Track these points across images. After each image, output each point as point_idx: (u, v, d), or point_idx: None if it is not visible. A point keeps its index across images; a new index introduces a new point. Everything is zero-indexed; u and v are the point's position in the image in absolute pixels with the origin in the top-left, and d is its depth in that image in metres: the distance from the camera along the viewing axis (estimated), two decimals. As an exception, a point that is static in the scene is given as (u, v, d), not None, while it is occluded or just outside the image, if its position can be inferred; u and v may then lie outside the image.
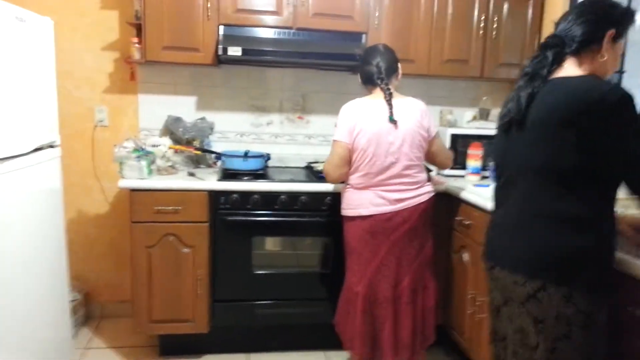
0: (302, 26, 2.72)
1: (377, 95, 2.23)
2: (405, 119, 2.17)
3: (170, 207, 2.43)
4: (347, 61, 2.71)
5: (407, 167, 2.18)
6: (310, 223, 2.57)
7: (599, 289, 1.39)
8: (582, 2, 1.51)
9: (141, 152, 2.49)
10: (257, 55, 2.62)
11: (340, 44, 2.73)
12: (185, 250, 2.49)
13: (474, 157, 2.84)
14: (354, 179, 2.21)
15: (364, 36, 2.79)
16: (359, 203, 2.20)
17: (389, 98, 2.17)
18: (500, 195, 1.61)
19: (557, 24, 1.53)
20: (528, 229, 1.44)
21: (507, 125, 1.53)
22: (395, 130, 2.15)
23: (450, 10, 2.85)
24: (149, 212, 2.43)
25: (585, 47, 1.45)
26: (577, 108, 1.33)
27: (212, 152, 2.78)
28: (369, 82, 2.27)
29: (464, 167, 2.92)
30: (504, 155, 1.56)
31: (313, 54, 2.65)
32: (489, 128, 3.01)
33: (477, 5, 2.87)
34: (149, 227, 2.44)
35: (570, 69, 1.46)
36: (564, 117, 1.34)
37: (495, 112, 3.23)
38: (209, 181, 2.50)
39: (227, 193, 2.48)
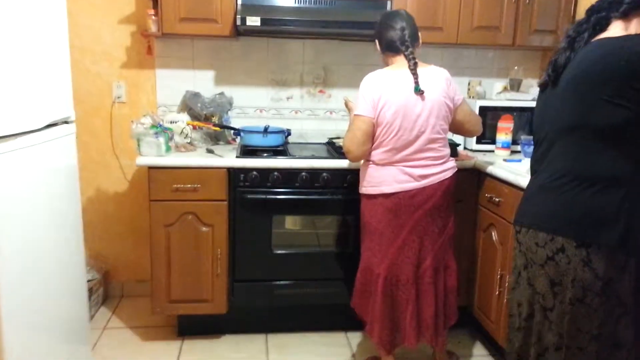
0: (323, -7, 2.59)
1: (400, 64, 2.09)
2: (431, 89, 2.05)
3: (189, 185, 2.37)
4: (372, 30, 2.56)
5: (433, 141, 2.07)
6: (332, 201, 2.48)
7: (622, 253, 1.34)
8: None
9: (159, 129, 2.42)
10: (276, 25, 2.50)
11: (364, 11, 2.59)
12: (204, 229, 2.43)
13: (504, 131, 2.70)
14: (376, 154, 2.10)
15: (389, 3, 2.65)
16: (381, 180, 2.09)
17: (414, 67, 2.04)
18: (536, 159, 1.56)
19: None
20: (557, 188, 1.41)
21: (544, 85, 1.50)
22: (422, 102, 2.03)
23: (481, -27, 2.67)
24: (168, 190, 2.37)
25: (634, 9, 1.36)
26: (617, 61, 1.28)
27: (231, 128, 2.69)
28: (392, 49, 2.12)
29: (493, 141, 2.78)
30: (540, 114, 1.53)
31: (336, 22, 2.52)
32: (521, 99, 2.86)
33: (509, -33, 2.68)
34: (167, 206, 2.39)
35: (615, 31, 1.38)
36: (602, 72, 1.30)
37: (527, 82, 3.06)
38: (228, 158, 2.42)
39: (246, 170, 2.40)
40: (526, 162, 2.35)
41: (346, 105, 2.35)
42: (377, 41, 2.17)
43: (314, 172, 2.44)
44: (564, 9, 2.76)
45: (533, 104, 2.81)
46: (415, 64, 2.05)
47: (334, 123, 3.07)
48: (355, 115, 2.08)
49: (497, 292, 2.32)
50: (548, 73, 1.46)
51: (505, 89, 3.00)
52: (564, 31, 1.47)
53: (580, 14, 2.75)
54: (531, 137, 2.66)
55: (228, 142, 2.85)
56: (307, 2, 2.59)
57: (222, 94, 2.91)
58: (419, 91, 2.02)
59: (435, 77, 2.09)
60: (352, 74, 3.02)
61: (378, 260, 2.14)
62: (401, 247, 2.11)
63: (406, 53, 2.06)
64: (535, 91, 2.89)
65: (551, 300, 1.44)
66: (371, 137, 2.07)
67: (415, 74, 2.03)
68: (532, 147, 2.41)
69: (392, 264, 2.12)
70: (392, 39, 2.09)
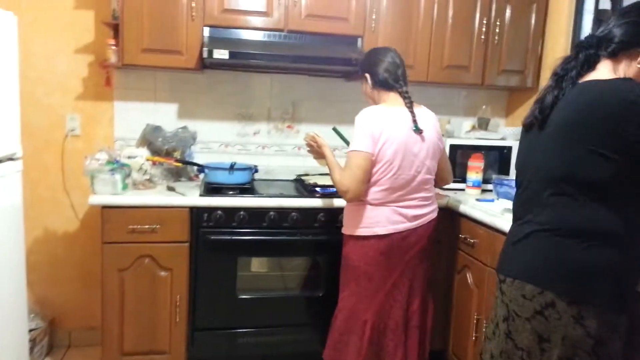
0: (293, 28, 2.52)
1: (394, 102, 2.03)
2: (427, 129, 2.01)
3: (147, 226, 2.19)
4: (343, 66, 2.51)
5: (426, 182, 2.04)
6: (302, 242, 2.35)
7: (615, 312, 1.27)
8: (628, 5, 1.40)
9: (115, 165, 2.25)
10: (245, 59, 2.40)
11: (335, 47, 2.53)
12: (163, 273, 2.24)
13: (475, 169, 2.66)
14: (371, 193, 1.98)
15: (359, 40, 2.61)
16: (375, 221, 1.98)
17: (410, 105, 2.01)
18: (519, 205, 1.47)
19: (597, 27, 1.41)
20: (547, 240, 1.32)
21: (528, 126, 1.43)
22: (421, 142, 1.98)
23: (450, 13, 2.68)
24: (123, 231, 2.18)
25: (624, 49, 1.33)
26: (604, 109, 1.23)
27: (195, 164, 2.54)
28: (384, 86, 2.05)
29: (463, 180, 2.73)
30: (524, 158, 1.46)
31: (306, 57, 2.44)
32: (490, 138, 2.84)
33: (478, 8, 2.70)
34: (122, 248, 2.20)
35: (603, 71, 1.34)
36: (588, 120, 1.24)
37: (494, 122, 3.07)
38: (191, 197, 2.26)
39: (210, 210, 2.25)
40: (499, 203, 2.31)
41: (313, 140, 2.21)
42: (368, 76, 2.08)
43: (282, 212, 2.31)
44: (532, 49, 2.79)
45: (502, 143, 2.83)
46: (412, 102, 2.01)
47: (302, 159, 2.97)
48: (353, 151, 1.94)
49: (473, 337, 2.22)
50: (535, 114, 1.39)
51: (473, 127, 2.98)
52: (553, 68, 1.42)
53: (547, 55, 2.80)
54: (503, 177, 2.67)
55: (190, 179, 2.70)
56: (276, 37, 2.52)
57: (185, 128, 2.77)
58: (418, 130, 1.96)
59: (429, 118, 2.07)
60: (321, 110, 2.95)
61: (365, 306, 2.02)
62: (391, 290, 2.01)
63: (400, 90, 2.03)
64: (503, 131, 2.91)
65: (537, 357, 1.34)
66: (370, 174, 1.96)
67: (412, 113, 1.99)
68: (504, 187, 2.41)
69: (381, 310, 2.02)
70: (386, 75, 2.04)
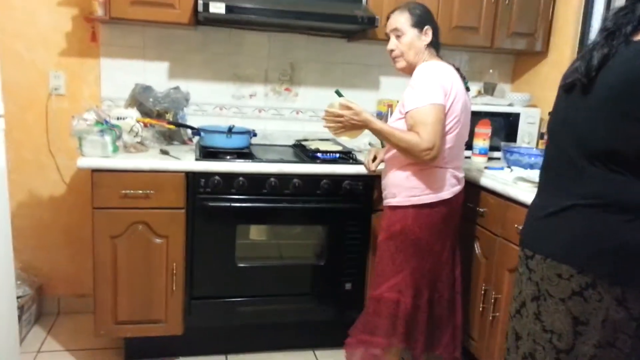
0: (295, -18, 2.36)
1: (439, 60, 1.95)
2: None
3: (140, 191, 2.07)
4: (347, 24, 2.37)
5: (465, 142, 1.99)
6: (304, 210, 2.25)
7: None
8: None
9: (105, 126, 2.10)
10: (243, 14, 2.23)
11: (339, 4, 2.37)
12: (158, 240, 2.13)
13: (482, 136, 2.56)
14: None
15: (364, -1, 2.45)
16: (440, 184, 1.88)
17: (454, 65, 1.95)
18: (552, 174, 1.33)
19: None
20: (584, 215, 1.21)
21: (569, 86, 1.28)
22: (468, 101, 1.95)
23: (461, -31, 2.53)
24: (115, 196, 2.05)
25: None
26: None
27: (190, 127, 2.40)
28: (436, 48, 1.97)
29: (469, 147, 2.63)
30: (562, 123, 1.30)
31: (310, 14, 2.27)
32: (498, 104, 2.73)
33: (490, -34, 2.56)
34: (114, 214, 2.07)
35: None
36: None
37: (500, 88, 2.96)
38: (187, 161, 2.14)
39: (208, 175, 2.13)
40: (509, 171, 2.22)
41: (346, 108, 1.86)
42: (429, 29, 1.91)
43: (283, 178, 2.20)
44: (543, 11, 2.66)
45: (509, 110, 2.73)
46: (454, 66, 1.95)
47: (301, 124, 2.84)
48: (430, 105, 1.76)
49: (480, 308, 2.17)
50: (578, 74, 1.23)
51: (479, 92, 2.88)
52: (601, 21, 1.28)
53: (559, 17, 2.68)
54: (512, 145, 2.57)
55: (184, 142, 2.56)
56: (277, -9, 2.35)
57: (177, 88, 2.60)
58: (468, 89, 1.94)
59: None
60: (321, 72, 2.81)
61: (427, 281, 1.95)
62: (446, 260, 1.98)
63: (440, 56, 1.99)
64: (510, 97, 2.80)
65: (571, 341, 1.24)
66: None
67: (459, 72, 1.93)
68: (514, 155, 2.32)
69: (438, 280, 1.98)
70: (438, 38, 1.97)
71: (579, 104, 1.23)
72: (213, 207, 2.14)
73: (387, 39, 2.09)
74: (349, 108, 1.86)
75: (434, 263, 1.95)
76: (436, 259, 1.95)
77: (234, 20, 2.44)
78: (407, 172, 1.89)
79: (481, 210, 2.17)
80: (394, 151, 1.91)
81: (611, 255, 1.17)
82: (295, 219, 2.29)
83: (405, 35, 1.91)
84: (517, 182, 2.04)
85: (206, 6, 2.15)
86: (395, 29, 1.92)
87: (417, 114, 1.77)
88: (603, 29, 1.22)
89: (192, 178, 2.12)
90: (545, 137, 1.42)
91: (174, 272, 2.15)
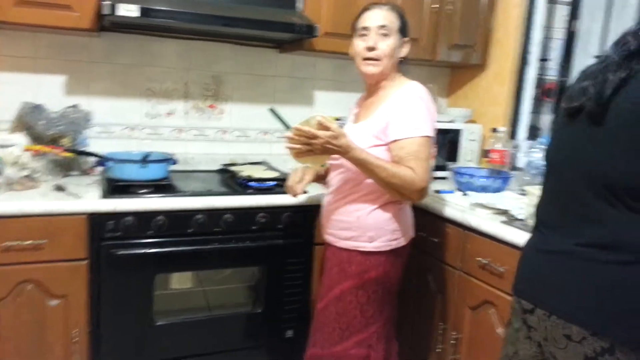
0: (218, -17, 2.03)
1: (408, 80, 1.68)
2: None
3: (29, 241, 1.62)
4: (283, 32, 2.07)
5: None
6: (238, 249, 1.91)
7: None
8: None
9: (-22, 158, 1.65)
10: (162, 18, 1.84)
11: (273, 10, 2.07)
12: (53, 302, 1.69)
13: (428, 157, 2.37)
14: None
15: (300, 2, 2.17)
16: (410, 222, 1.72)
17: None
18: (552, 209, 1.15)
19: None
20: (600, 264, 1.01)
21: (574, 110, 1.09)
22: None
23: (400, -25, 2.32)
24: (-7, 249, 1.60)
25: None
26: None
27: (93, 155, 1.96)
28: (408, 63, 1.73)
29: (411, 168, 2.44)
30: (566, 154, 1.12)
31: (241, 20, 1.93)
32: (439, 121, 2.55)
33: (429, -27, 2.38)
34: (-7, 272, 1.62)
35: None
36: None
37: (443, 102, 2.81)
38: (90, 199, 1.72)
39: (117, 215, 1.73)
40: (461, 195, 2.04)
41: (323, 127, 1.48)
42: (409, 41, 1.68)
43: (213, 214, 1.85)
44: (482, 23, 2.53)
45: (451, 126, 2.57)
46: None
47: (227, 146, 2.50)
48: (423, 137, 1.52)
49: (438, 350, 1.95)
50: (587, 98, 1.05)
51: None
52: (622, 34, 1.06)
53: (498, 29, 2.56)
54: (461, 166, 2.39)
55: (84, 173, 2.12)
56: (198, -7, 2.01)
57: (75, 107, 2.16)
58: None
59: None
60: (250, 87, 2.49)
61: (395, 329, 1.78)
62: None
63: None
64: (450, 112, 2.64)
65: None
66: None
67: None
68: (465, 177, 2.14)
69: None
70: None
71: (588, 132, 1.05)
72: (125, 256, 1.74)
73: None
74: (327, 129, 1.49)
75: (395, 309, 1.72)
76: (395, 306, 1.73)
77: (147, 25, 2.06)
78: (388, 212, 1.61)
79: (435, 240, 1.95)
80: (350, 180, 1.62)
81: (632, 317, 0.98)
82: (227, 261, 1.95)
83: (391, 37, 1.60)
84: (474, 209, 1.85)
85: (113, 8, 1.76)
86: (384, 26, 1.59)
87: (410, 146, 1.50)
88: (623, 47, 1.02)
89: (96, 221, 1.71)
90: (545, 167, 1.22)
91: (75, 339, 1.72)
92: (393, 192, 1.53)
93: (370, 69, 1.62)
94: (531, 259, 1.17)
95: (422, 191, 1.51)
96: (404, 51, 1.65)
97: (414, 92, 1.56)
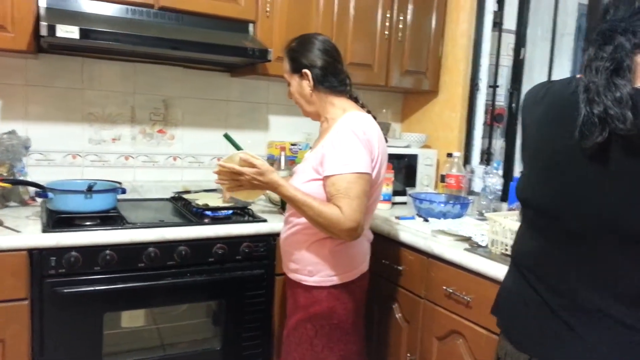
0: (167, 5, 1.95)
1: (349, 106, 1.60)
2: None
3: (-42, 283, 1.46)
4: (235, 57, 2.02)
5: None
6: (194, 284, 1.80)
7: None
8: None
9: None
10: (104, 40, 1.75)
11: (222, 33, 2.01)
12: (-12, 349, 1.53)
13: (385, 181, 2.33)
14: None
15: (251, 26, 2.13)
16: (361, 256, 1.64)
17: (370, 112, 1.63)
18: (560, 260, 1.01)
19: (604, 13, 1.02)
20: (603, 319, 0.94)
21: (591, 144, 0.92)
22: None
23: (352, 3, 2.34)
24: None
25: None
26: None
27: (32, 185, 1.80)
28: (338, 88, 1.60)
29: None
30: (571, 197, 0.98)
31: (191, 43, 1.88)
32: (395, 146, 2.57)
33: (380, 0, 2.40)
34: None
35: None
36: None
37: (397, 127, 2.84)
38: (30, 234, 1.57)
39: (61, 251, 1.59)
40: (421, 221, 2.04)
41: (247, 164, 1.49)
42: (307, 72, 1.57)
43: (166, 246, 1.74)
44: (432, 50, 2.59)
45: (407, 151, 2.58)
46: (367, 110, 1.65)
47: (180, 172, 2.39)
48: (355, 174, 1.44)
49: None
50: (616, 126, 0.88)
51: (373, 133, 2.71)
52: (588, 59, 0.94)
53: (447, 55, 2.62)
54: (419, 192, 2.37)
55: (24, 203, 1.96)
56: (144, 15, 1.93)
57: (12, 132, 2.00)
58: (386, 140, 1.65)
59: None
60: (202, 111, 2.41)
61: None
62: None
63: (354, 95, 1.65)
64: (406, 137, 2.66)
65: None
66: None
67: (376, 121, 1.61)
68: (424, 203, 2.14)
69: None
70: (335, 75, 1.59)
71: (603, 170, 0.92)
72: (69, 295, 1.60)
73: (278, 75, 1.80)
74: (251, 165, 1.48)
75: (362, 345, 1.65)
76: (361, 340, 1.66)
77: (87, 47, 1.95)
78: (325, 247, 1.55)
79: (399, 268, 1.93)
80: (295, 213, 1.57)
81: None
82: (183, 297, 1.83)
83: (292, 81, 1.63)
84: (436, 236, 1.85)
85: (52, 29, 1.64)
86: (284, 77, 1.66)
87: (339, 183, 1.44)
88: (608, 59, 0.92)
89: (37, 257, 1.56)
90: (528, 207, 1.10)
91: (14, 389, 1.56)
92: (323, 231, 1.48)
93: (302, 112, 1.69)
94: (515, 305, 1.09)
95: (351, 231, 1.43)
96: (307, 84, 1.59)
97: (348, 126, 1.49)
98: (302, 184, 1.53)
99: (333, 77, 1.58)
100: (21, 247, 1.54)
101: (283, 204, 2.03)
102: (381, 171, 1.57)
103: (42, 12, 1.75)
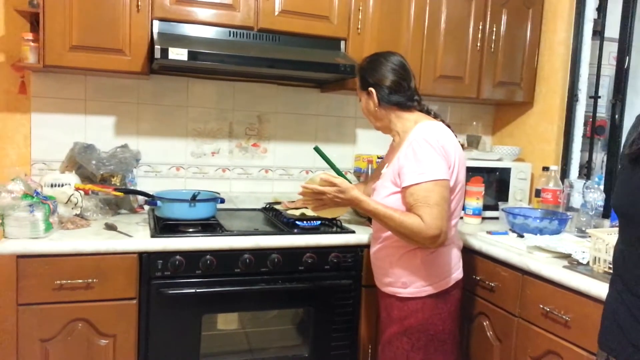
0: (265, 27, 2.07)
1: (421, 117, 1.65)
2: None
3: (80, 280, 1.63)
4: (328, 73, 2.09)
5: None
6: (285, 290, 1.87)
7: None
8: None
9: (35, 199, 1.67)
10: (210, 61, 1.89)
11: (315, 51, 2.10)
12: (103, 341, 1.68)
13: (475, 195, 2.31)
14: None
15: (343, 43, 2.20)
16: (453, 265, 1.64)
17: (443, 121, 1.66)
18: (617, 255, 1.06)
19: None
20: None
21: (637, 156, 1.01)
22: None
23: (443, 17, 2.33)
24: (47, 288, 1.61)
25: None
26: None
27: (143, 194, 1.99)
28: (406, 104, 1.64)
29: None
30: (633, 199, 1.03)
31: (286, 62, 1.98)
32: (486, 159, 2.51)
33: (473, 13, 2.38)
34: (46, 311, 1.62)
35: None
36: None
37: (487, 140, 2.77)
38: (140, 239, 1.73)
39: (167, 255, 1.73)
40: (514, 237, 1.96)
41: (327, 183, 1.55)
42: (372, 91, 1.64)
43: (260, 253, 1.83)
44: (527, 60, 2.51)
45: (500, 165, 2.51)
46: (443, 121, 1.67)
47: (271, 184, 2.50)
48: (433, 181, 1.47)
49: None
50: None
51: (462, 146, 2.66)
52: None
53: (544, 66, 2.53)
54: (513, 206, 2.29)
55: (133, 211, 2.15)
56: (244, 37, 2.06)
57: (125, 147, 2.22)
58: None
59: None
60: (293, 126, 2.51)
61: None
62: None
63: (426, 108, 1.69)
64: (499, 150, 2.58)
65: None
66: None
67: (451, 129, 1.64)
68: (519, 218, 2.06)
69: None
70: (402, 92, 1.63)
71: None
72: (174, 295, 1.73)
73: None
74: (332, 184, 1.53)
75: (458, 355, 1.63)
76: (457, 349, 1.64)
77: (193, 67, 2.12)
78: (417, 258, 1.57)
79: (491, 284, 1.87)
80: (382, 227, 1.59)
81: None
82: (274, 302, 1.91)
83: (361, 97, 1.71)
84: (532, 252, 1.77)
85: (165, 52, 1.81)
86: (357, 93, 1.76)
87: (418, 192, 1.46)
88: None
89: (146, 260, 1.71)
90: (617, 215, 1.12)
91: (123, 380, 1.70)
92: (408, 241, 1.51)
93: (373, 126, 1.77)
94: (614, 313, 1.05)
95: (434, 238, 1.45)
96: (373, 101, 1.65)
97: (421, 135, 1.52)
98: (383, 198, 1.57)
99: (400, 95, 1.63)
100: (133, 250, 1.70)
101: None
102: (459, 177, 1.57)
103: (156, 36, 1.93)
